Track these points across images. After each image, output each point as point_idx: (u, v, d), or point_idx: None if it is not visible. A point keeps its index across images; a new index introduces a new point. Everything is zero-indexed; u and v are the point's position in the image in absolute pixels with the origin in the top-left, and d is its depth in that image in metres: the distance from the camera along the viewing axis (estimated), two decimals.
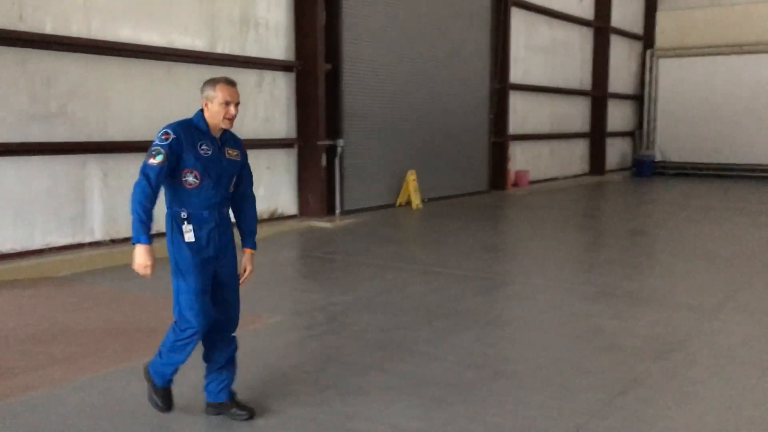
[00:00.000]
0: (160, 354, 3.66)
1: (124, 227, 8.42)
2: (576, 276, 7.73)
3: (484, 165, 15.52)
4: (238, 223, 3.83)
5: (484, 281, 7.11)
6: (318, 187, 11.03)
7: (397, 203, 12.82)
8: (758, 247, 9.12)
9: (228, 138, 3.69)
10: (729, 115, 19.95)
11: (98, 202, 8.21)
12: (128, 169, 8.30)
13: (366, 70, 12.02)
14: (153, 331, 5.30)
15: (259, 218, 11.06)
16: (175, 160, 3.45)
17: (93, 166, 8.15)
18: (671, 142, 21.33)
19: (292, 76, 10.81)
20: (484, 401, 4.00)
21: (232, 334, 3.79)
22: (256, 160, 10.16)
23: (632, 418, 3.78)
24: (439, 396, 4.08)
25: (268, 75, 10.43)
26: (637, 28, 21.90)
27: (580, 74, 19.31)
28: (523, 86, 16.53)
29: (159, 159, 3.40)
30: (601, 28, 19.59)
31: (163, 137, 3.44)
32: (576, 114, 19.39)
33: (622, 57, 21.25)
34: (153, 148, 3.43)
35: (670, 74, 21.31)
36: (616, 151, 21.53)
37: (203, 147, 3.53)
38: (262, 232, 9.72)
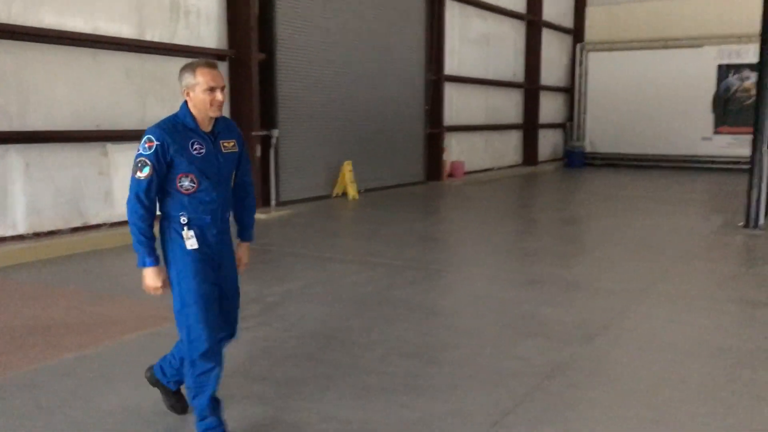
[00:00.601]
0: (187, 378, 3.34)
1: (48, 220, 8.14)
2: (509, 264, 7.89)
3: (420, 156, 15.64)
4: (236, 214, 3.53)
5: (419, 271, 7.18)
6: (264, 180, 10.92)
7: (334, 194, 12.79)
8: (680, 235, 9.50)
9: (221, 128, 3.30)
10: (654, 107, 20.66)
11: (20, 194, 7.88)
12: (52, 159, 8.00)
13: (301, 59, 11.92)
14: (79, 325, 5.15)
15: None
16: (165, 168, 3.12)
17: (14, 156, 7.81)
18: (600, 134, 21.95)
19: (224, 65, 10.61)
20: (418, 389, 4.04)
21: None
22: None
23: (558, 402, 3.89)
24: (373, 384, 4.10)
25: None
26: (568, 22, 22.41)
27: (513, 67, 19.64)
28: (457, 78, 16.71)
29: (146, 172, 3.08)
30: (533, 21, 19.97)
31: (146, 145, 3.09)
32: (510, 106, 19.73)
33: (554, 50, 21.72)
34: (137, 160, 3.11)
35: (599, 68, 21.91)
36: (548, 143, 22.03)
37: (196, 146, 3.16)
38: None
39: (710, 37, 19.99)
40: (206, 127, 3.23)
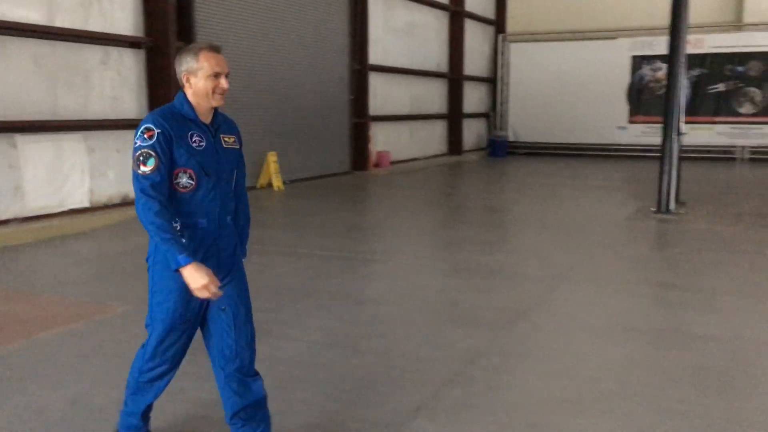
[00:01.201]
0: (125, 403, 3.13)
1: None
2: (434, 253, 7.98)
3: (345, 146, 15.60)
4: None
5: (346, 261, 7.17)
6: None
7: (258, 185, 12.61)
8: (597, 221, 9.83)
9: (221, 122, 2.99)
10: (573, 97, 21.26)
11: None
12: None
13: (222, 48, 11.66)
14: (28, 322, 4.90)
15: (110, 204, 10.53)
16: (169, 160, 2.76)
17: None
18: (523, 123, 22.44)
19: (141, 53, 10.27)
20: (342, 379, 4.04)
21: (254, 371, 3.12)
22: (104, 142, 9.69)
23: (480, 386, 3.96)
24: (297, 376, 4.07)
25: (115, 52, 9.85)
26: (490, 13, 22.77)
27: (437, 57, 19.81)
28: (382, 68, 16.72)
29: (151, 164, 2.72)
30: (456, 12, 20.18)
31: (145, 136, 2.74)
32: (434, 96, 19.91)
33: (477, 41, 22.03)
34: (138, 153, 2.74)
35: (520, 58, 22.37)
36: (473, 132, 22.37)
37: (195, 138, 2.83)
38: (114, 218, 9.32)
39: (624, 29, 20.73)
40: (206, 118, 2.90)
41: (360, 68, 15.67)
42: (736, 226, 9.22)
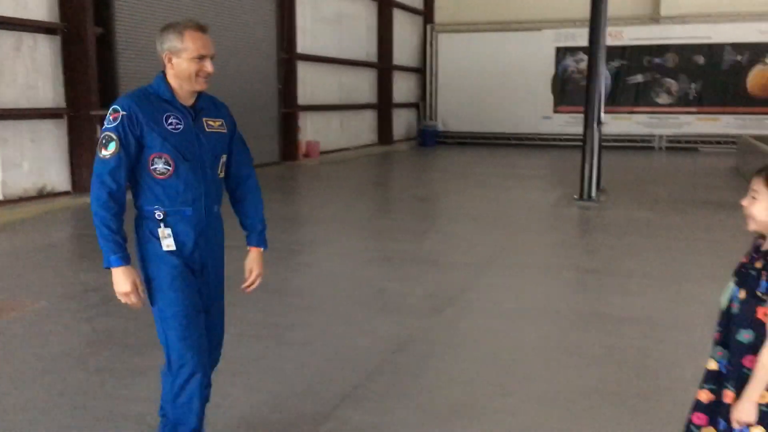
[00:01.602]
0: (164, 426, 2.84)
1: None
2: (363, 242, 7.98)
3: (274, 136, 15.41)
4: (239, 215, 3.03)
5: (272, 252, 6.99)
6: (93, 161, 10.21)
7: None
8: (522, 208, 10.06)
9: (206, 105, 2.77)
10: (500, 88, 21.63)
11: None
12: None
13: (142, 34, 11.28)
14: None
15: (25, 197, 10.08)
16: (136, 145, 2.57)
17: None
18: (452, 113, 22.70)
19: (57, 40, 9.85)
20: (266, 370, 4.00)
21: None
22: (17, 131, 9.26)
23: (406, 373, 3.99)
24: (221, 369, 3.99)
25: (28, 37, 9.41)
26: (418, 3, 22.86)
27: (366, 46, 19.78)
28: (311, 57, 16.58)
29: (111, 148, 2.53)
30: (384, 2, 20.18)
31: (110, 117, 2.56)
32: (364, 85, 19.89)
33: (406, 31, 22.11)
34: (102, 135, 2.58)
35: (448, 48, 22.59)
36: (403, 122, 22.48)
37: (171, 120, 2.63)
38: (29, 211, 8.92)
39: (548, 21, 21.20)
40: (186, 100, 2.70)
41: (288, 57, 15.49)
42: (653, 211, 9.59)
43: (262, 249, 3.08)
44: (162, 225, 2.65)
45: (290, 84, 15.65)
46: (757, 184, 2.11)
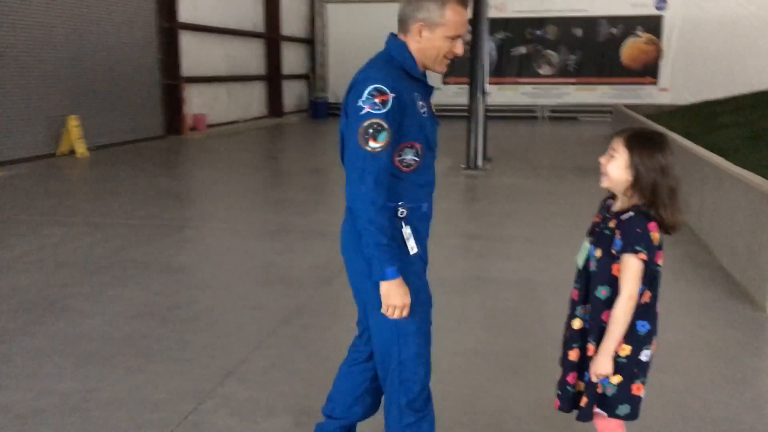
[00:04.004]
0: None
1: None
2: (252, 216, 7.84)
3: (157, 108, 14.82)
4: None
5: (156, 228, 6.84)
6: None
7: (59, 152, 11.63)
8: None
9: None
10: None
11: None
12: None
13: (10, 4, 10.49)
14: None
15: None
16: (396, 134, 2.15)
17: None
18: (343, 85, 22.45)
19: None
20: (146, 351, 3.86)
21: None
22: None
23: (292, 345, 3.97)
24: (97, 351, 3.84)
25: None
26: None
27: (252, 16, 19.29)
28: (194, 26, 15.98)
29: (382, 140, 2.10)
30: None
31: (376, 100, 2.10)
32: (252, 56, 19.43)
33: (293, 1, 21.71)
34: (367, 122, 2.10)
35: (338, 19, 22.41)
36: (293, 94, 22.18)
37: (420, 103, 2.22)
38: None
39: None
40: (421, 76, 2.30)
41: (169, 26, 14.86)
42: (535, 178, 9.98)
43: None
44: (403, 224, 2.26)
45: (173, 54, 15.04)
46: (617, 144, 2.21)
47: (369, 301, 2.33)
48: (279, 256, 5.90)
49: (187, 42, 15.71)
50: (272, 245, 6.30)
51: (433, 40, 2.20)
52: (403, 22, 2.24)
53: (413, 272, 2.28)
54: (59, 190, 9.37)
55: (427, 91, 2.30)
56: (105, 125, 12.91)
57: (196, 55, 16.26)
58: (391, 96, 2.10)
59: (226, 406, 3.23)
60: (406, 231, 2.26)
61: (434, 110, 2.35)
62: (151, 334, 4.10)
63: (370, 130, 2.10)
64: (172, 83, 15.02)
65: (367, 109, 2.10)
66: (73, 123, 11.59)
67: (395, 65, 2.22)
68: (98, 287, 4.96)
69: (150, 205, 8.14)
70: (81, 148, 11.67)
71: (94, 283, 5.05)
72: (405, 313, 2.22)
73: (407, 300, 2.21)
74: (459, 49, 2.24)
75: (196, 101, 16.44)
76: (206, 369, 3.63)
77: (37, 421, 3.08)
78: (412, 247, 2.27)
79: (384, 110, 2.09)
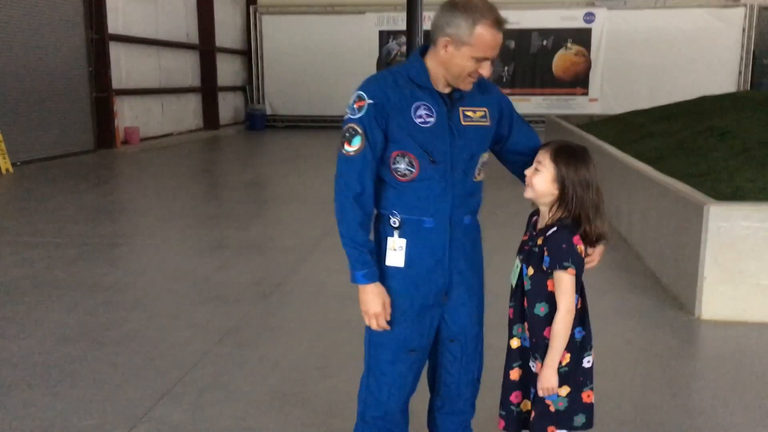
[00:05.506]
0: None
1: None
2: (187, 231, 7.66)
3: (87, 122, 14.38)
4: None
5: (85, 247, 6.60)
6: None
7: None
8: None
9: (470, 90, 2.22)
10: (326, 70, 21.67)
11: None
12: None
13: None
14: None
15: None
16: (383, 140, 2.16)
17: None
18: (280, 97, 22.42)
19: None
20: (76, 375, 3.70)
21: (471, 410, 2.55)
22: None
23: (228, 364, 3.88)
24: (22, 378, 3.66)
25: None
26: None
27: (186, 27, 18.96)
28: (125, 37, 15.59)
29: (356, 144, 2.14)
30: None
31: (354, 106, 2.17)
32: (185, 68, 19.08)
33: (228, 12, 21.46)
34: (345, 126, 2.18)
35: (273, 31, 22.23)
36: (229, 106, 21.87)
37: (421, 112, 2.16)
38: None
39: (371, 4, 21.52)
40: (442, 87, 2.21)
41: (99, 38, 14.45)
42: None
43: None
44: (395, 233, 2.24)
45: (103, 66, 14.62)
46: (543, 156, 2.24)
47: None
48: (214, 272, 5.77)
49: (117, 54, 15.31)
50: (207, 261, 6.16)
51: (456, 57, 2.12)
52: (433, 32, 2.17)
53: (389, 287, 2.25)
54: None
55: (438, 99, 2.20)
56: (31, 140, 12.44)
57: (127, 66, 15.87)
58: (367, 102, 2.15)
59: (159, 431, 3.12)
60: (396, 242, 2.24)
61: (468, 120, 2.24)
62: (79, 358, 3.94)
63: (347, 134, 2.19)
64: (103, 96, 14.60)
65: (347, 114, 2.21)
66: None
67: (400, 75, 2.22)
68: (22, 309, 4.75)
69: (79, 222, 7.86)
70: (5, 164, 11.20)
71: (16, 305, 4.83)
72: (381, 322, 2.23)
73: (378, 309, 2.21)
74: (486, 71, 2.14)
75: (128, 114, 16.02)
76: (139, 392, 3.51)
77: None
78: (394, 260, 2.24)
79: (359, 115, 2.16)
